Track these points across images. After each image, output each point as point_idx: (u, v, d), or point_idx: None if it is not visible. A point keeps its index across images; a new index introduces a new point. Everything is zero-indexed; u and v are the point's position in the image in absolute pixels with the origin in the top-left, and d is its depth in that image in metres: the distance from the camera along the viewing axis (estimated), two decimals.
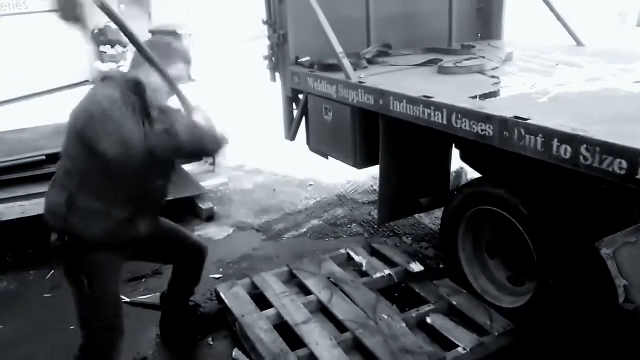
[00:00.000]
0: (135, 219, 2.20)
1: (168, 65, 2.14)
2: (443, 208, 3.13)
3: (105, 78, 2.24)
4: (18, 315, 3.13)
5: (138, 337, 2.88)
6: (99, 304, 2.18)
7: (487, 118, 2.39)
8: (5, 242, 3.86)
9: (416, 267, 3.14)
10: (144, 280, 3.43)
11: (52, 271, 3.49)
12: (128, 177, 2.11)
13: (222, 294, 3.00)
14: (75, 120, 2.08)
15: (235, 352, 2.68)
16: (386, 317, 2.72)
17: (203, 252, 2.73)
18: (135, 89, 2.13)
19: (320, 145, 3.83)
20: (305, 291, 3.07)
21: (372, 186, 4.72)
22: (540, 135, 2.17)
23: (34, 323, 3.02)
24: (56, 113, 6.79)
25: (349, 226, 4.11)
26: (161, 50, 2.18)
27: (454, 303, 2.83)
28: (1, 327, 3.04)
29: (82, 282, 2.14)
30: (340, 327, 2.74)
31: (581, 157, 2.02)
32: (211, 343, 2.82)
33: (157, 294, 3.03)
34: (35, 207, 3.67)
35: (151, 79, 2.15)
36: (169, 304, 2.87)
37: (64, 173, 2.14)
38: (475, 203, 2.83)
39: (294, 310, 2.82)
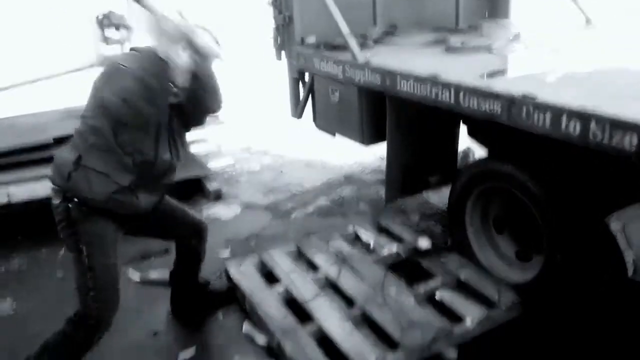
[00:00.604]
0: (136, 190, 2.22)
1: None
2: (451, 185, 3.15)
3: (131, 49, 2.32)
4: (31, 293, 3.18)
5: (149, 313, 2.94)
6: (96, 275, 2.19)
7: (495, 96, 2.39)
8: (15, 222, 3.91)
9: (424, 243, 3.17)
10: (153, 258, 3.47)
11: (63, 250, 3.53)
12: (135, 143, 2.15)
13: (231, 272, 3.05)
14: (96, 84, 2.17)
15: (245, 327, 2.73)
16: (394, 292, 2.75)
17: (202, 229, 2.74)
18: (155, 60, 2.19)
19: (327, 123, 3.84)
20: (314, 268, 3.10)
21: (379, 166, 4.73)
22: (549, 112, 2.17)
23: (46, 300, 3.08)
24: (62, 97, 6.83)
25: (356, 205, 4.14)
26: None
27: (462, 277, 2.87)
28: (15, 304, 3.09)
29: (81, 251, 2.17)
30: (349, 302, 2.78)
31: (590, 134, 2.03)
32: (221, 318, 2.86)
33: (167, 270, 3.09)
34: (43, 189, 3.70)
35: (179, 60, 2.21)
36: (177, 281, 2.91)
37: (77, 134, 2.19)
38: (483, 179, 2.85)
39: (303, 286, 2.86)
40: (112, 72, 2.17)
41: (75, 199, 2.13)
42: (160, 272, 3.22)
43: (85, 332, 2.24)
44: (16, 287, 3.26)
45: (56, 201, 2.19)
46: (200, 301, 2.93)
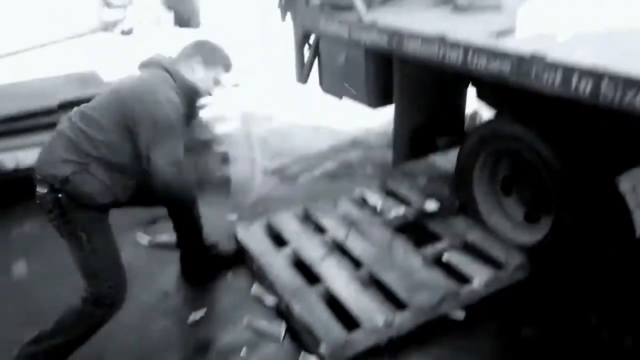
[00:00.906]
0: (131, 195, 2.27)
1: (184, 60, 2.30)
2: (458, 148, 3.13)
3: (158, 65, 2.27)
4: (43, 255, 3.21)
5: (159, 275, 2.97)
6: (101, 255, 2.19)
7: (504, 56, 2.35)
8: (25, 187, 3.92)
9: (431, 205, 3.17)
10: (161, 221, 3.47)
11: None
12: (144, 172, 2.16)
13: (239, 234, 3.07)
14: (128, 106, 2.12)
15: (254, 289, 2.77)
16: (402, 254, 2.77)
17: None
18: (190, 95, 2.28)
19: (333, 86, 3.80)
20: (321, 230, 3.12)
21: (386, 129, 4.69)
22: (559, 71, 2.14)
23: (58, 264, 3.08)
24: (65, 62, 6.79)
25: (363, 168, 4.13)
26: (205, 51, 2.33)
27: (469, 239, 2.88)
28: (28, 266, 3.12)
29: (80, 237, 2.14)
30: (357, 264, 2.80)
31: (601, 93, 2.00)
32: (231, 280, 2.89)
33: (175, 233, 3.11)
34: None
35: (195, 75, 2.29)
36: (183, 246, 2.92)
37: (87, 139, 2.12)
38: (492, 140, 2.83)
39: (311, 248, 2.88)
40: (162, 124, 2.09)
41: (68, 192, 2.09)
42: (168, 235, 3.26)
43: (104, 311, 2.23)
44: (29, 250, 3.30)
45: (42, 190, 2.12)
46: (208, 263, 2.96)
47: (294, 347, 2.42)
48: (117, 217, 2.35)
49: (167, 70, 2.25)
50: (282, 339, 2.46)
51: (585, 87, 2.06)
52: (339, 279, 2.63)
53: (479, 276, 2.60)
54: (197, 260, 2.94)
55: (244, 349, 2.42)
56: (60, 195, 2.09)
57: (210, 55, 2.35)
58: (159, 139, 2.09)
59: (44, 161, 2.17)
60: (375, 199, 3.38)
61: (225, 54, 2.41)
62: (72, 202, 2.11)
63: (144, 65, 2.32)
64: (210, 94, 2.44)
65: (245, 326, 2.55)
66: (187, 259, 2.95)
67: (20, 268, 3.13)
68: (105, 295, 2.21)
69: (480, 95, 3.21)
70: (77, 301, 2.21)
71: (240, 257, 3.02)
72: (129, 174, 2.19)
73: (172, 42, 5.07)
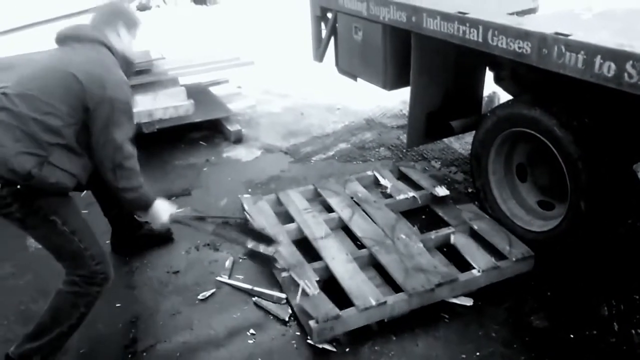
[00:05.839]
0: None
1: (108, 29, 2.19)
2: (474, 132, 3.05)
3: (93, 40, 2.13)
4: None
5: (169, 252, 2.93)
6: (82, 235, 2.12)
7: (526, 34, 2.29)
8: None
9: (441, 190, 3.10)
10: (174, 198, 3.46)
11: (85, 190, 3.51)
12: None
13: (246, 207, 3.04)
14: (87, 89, 1.97)
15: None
16: (404, 237, 2.71)
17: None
18: (126, 67, 2.19)
19: (349, 66, 3.73)
20: (328, 209, 3.08)
21: (401, 110, 4.62)
22: (582, 52, 2.07)
23: None
24: None
25: (377, 150, 4.06)
26: (123, 15, 2.24)
27: (475, 227, 2.80)
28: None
29: (54, 222, 2.06)
30: (359, 245, 2.76)
31: (626, 75, 1.93)
32: (240, 260, 2.85)
33: (189, 209, 3.07)
34: None
35: (124, 43, 2.22)
36: (114, 221, 2.87)
37: (44, 127, 1.96)
38: (509, 125, 2.74)
39: (315, 225, 2.84)
40: (124, 106, 2.04)
41: (31, 185, 1.97)
42: (184, 210, 3.23)
43: (98, 288, 2.18)
44: None
45: None
46: (137, 240, 2.93)
47: (300, 328, 2.37)
48: None
49: (106, 46, 2.13)
50: (287, 320, 2.42)
51: (609, 69, 1.98)
52: (338, 257, 2.58)
53: (480, 264, 2.53)
54: (127, 236, 2.90)
55: (251, 328, 2.39)
56: (18, 187, 1.96)
57: (129, 18, 2.25)
58: (119, 121, 2.02)
59: None
60: (385, 181, 3.32)
61: (132, 11, 2.32)
62: (32, 190, 2.00)
63: (73, 39, 2.14)
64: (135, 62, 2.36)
65: (253, 305, 2.52)
66: (117, 234, 2.90)
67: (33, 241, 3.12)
68: (96, 272, 2.15)
69: (498, 79, 3.12)
70: (64, 287, 2.15)
71: (170, 237, 2.99)
72: (88, 155, 2.09)
73: (189, 20, 5.00)
